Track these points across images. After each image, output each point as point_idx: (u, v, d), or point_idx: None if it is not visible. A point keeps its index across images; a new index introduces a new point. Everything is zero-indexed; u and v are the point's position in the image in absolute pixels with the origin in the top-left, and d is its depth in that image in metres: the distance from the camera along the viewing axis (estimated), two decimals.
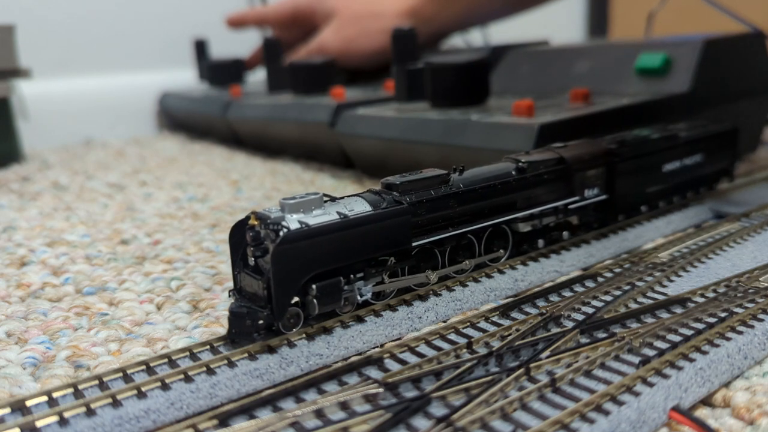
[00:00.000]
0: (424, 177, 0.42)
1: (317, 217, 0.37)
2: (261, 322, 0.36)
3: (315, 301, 0.36)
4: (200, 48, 1.32)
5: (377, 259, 0.40)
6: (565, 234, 0.51)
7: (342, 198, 0.40)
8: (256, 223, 0.36)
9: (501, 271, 0.46)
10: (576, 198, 0.50)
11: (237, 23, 1.25)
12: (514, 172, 0.46)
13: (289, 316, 0.36)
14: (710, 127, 0.61)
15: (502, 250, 0.47)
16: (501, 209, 0.46)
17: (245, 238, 0.37)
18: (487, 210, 0.45)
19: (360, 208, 0.39)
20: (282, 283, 0.35)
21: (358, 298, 0.39)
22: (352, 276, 0.38)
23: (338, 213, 0.37)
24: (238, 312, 0.36)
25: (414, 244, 0.41)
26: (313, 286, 0.36)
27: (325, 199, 0.39)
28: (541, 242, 0.49)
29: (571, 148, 0.50)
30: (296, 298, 0.37)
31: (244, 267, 0.38)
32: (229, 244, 0.38)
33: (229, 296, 0.38)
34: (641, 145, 0.54)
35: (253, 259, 0.37)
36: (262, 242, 0.36)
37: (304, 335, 0.37)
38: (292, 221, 0.36)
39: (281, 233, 0.35)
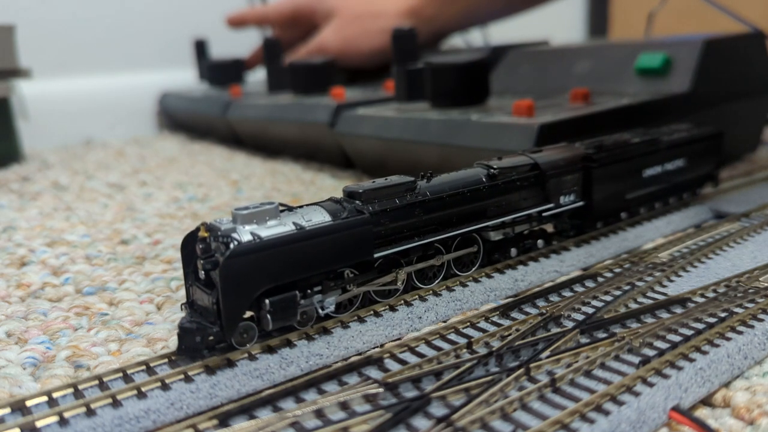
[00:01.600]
0: (388, 185, 0.41)
1: (271, 229, 0.35)
2: (211, 338, 0.34)
3: (269, 316, 0.35)
4: (200, 48, 1.32)
5: (337, 271, 0.38)
6: (540, 242, 0.49)
7: (301, 207, 0.38)
8: (206, 234, 0.35)
9: (501, 271, 0.46)
10: (551, 205, 0.48)
11: (237, 23, 1.25)
12: (484, 179, 0.45)
13: (242, 331, 0.35)
14: (694, 130, 0.59)
15: (471, 260, 0.45)
16: (471, 217, 0.44)
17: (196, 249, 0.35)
18: (456, 218, 0.43)
19: (318, 218, 0.37)
20: (231, 298, 0.34)
21: (319, 311, 0.38)
22: (309, 289, 0.37)
23: (294, 224, 0.36)
24: (187, 327, 0.34)
25: (377, 255, 0.39)
26: (267, 301, 0.35)
27: (282, 208, 0.37)
28: (513, 251, 0.47)
29: (546, 154, 0.49)
30: (251, 313, 0.36)
31: (195, 280, 0.36)
32: (181, 255, 0.37)
33: (182, 309, 0.37)
34: (620, 150, 0.53)
35: (203, 272, 0.35)
36: (212, 255, 0.34)
37: (304, 335, 0.37)
38: (244, 233, 0.35)
39: (231, 246, 0.34)
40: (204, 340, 0.34)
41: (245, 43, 1.37)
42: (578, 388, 0.32)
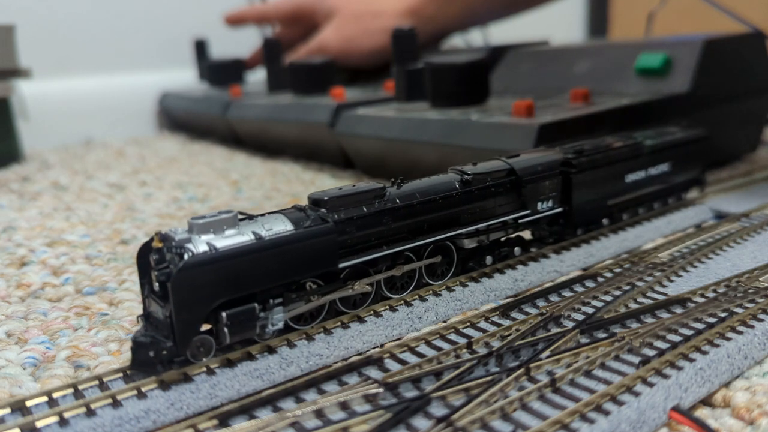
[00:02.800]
0: (355, 192, 0.39)
1: (229, 239, 0.34)
2: (164, 352, 0.33)
3: (226, 329, 0.34)
4: (200, 48, 1.32)
5: (299, 282, 0.37)
6: (517, 250, 0.48)
7: (262, 215, 0.37)
8: (160, 245, 0.34)
9: (501, 271, 0.46)
10: (527, 212, 0.47)
11: (236, 21, 1.25)
12: (457, 185, 0.43)
13: (199, 345, 0.34)
14: (679, 134, 0.58)
15: (445, 268, 0.44)
16: (443, 225, 0.43)
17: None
18: (427, 226, 0.42)
19: (280, 227, 0.36)
20: (185, 311, 0.32)
21: (279, 324, 0.36)
22: (270, 301, 0.36)
23: (254, 233, 0.35)
24: (140, 341, 0.33)
25: (342, 265, 0.38)
26: (223, 314, 0.34)
27: (242, 217, 0.36)
28: (489, 259, 0.46)
29: (523, 159, 0.48)
30: (209, 326, 0.35)
31: (150, 291, 0.35)
32: (137, 265, 0.35)
33: (138, 322, 0.36)
34: (601, 155, 0.51)
35: (157, 283, 0.33)
36: (166, 266, 0.33)
37: (304, 335, 0.37)
38: (200, 243, 0.33)
39: (185, 257, 0.33)
40: (157, 355, 0.33)
41: (245, 43, 1.37)
42: (578, 388, 0.32)
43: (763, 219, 0.56)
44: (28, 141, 1.14)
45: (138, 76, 1.38)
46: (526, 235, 0.49)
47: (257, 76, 1.36)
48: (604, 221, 0.54)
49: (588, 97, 0.68)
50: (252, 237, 0.35)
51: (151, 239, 0.34)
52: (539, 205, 0.48)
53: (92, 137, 1.29)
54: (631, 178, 0.54)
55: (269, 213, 0.37)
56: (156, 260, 0.34)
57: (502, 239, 0.47)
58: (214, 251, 0.33)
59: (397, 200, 0.41)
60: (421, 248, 0.42)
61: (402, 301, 0.41)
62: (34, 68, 1.03)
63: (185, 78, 1.39)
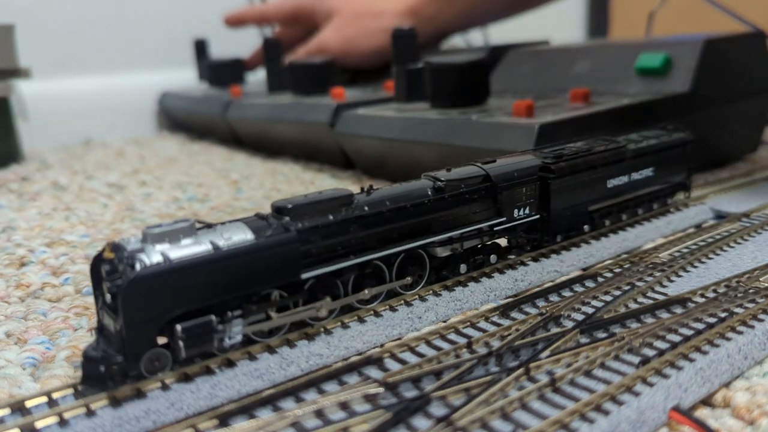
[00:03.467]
0: (321, 199, 0.38)
1: (185, 249, 0.33)
2: (116, 368, 0.32)
3: (181, 343, 0.33)
4: (200, 48, 1.32)
5: (261, 294, 0.36)
6: (493, 257, 0.46)
7: (223, 224, 0.36)
8: (111, 255, 0.33)
9: (501, 271, 0.46)
10: (503, 219, 0.46)
11: (236, 22, 1.25)
12: (430, 192, 0.42)
13: (154, 359, 0.32)
14: (663, 138, 0.57)
15: (417, 277, 0.43)
16: (415, 233, 0.41)
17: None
18: (398, 234, 0.41)
19: (239, 236, 0.34)
20: (136, 325, 0.31)
21: (238, 337, 0.35)
22: (228, 313, 0.34)
23: (211, 243, 0.33)
24: (91, 356, 0.32)
25: (305, 275, 0.37)
26: (178, 327, 0.32)
27: (200, 226, 0.35)
28: (463, 267, 0.45)
29: (499, 164, 0.46)
30: (165, 339, 0.34)
31: (104, 303, 0.33)
32: (91, 276, 0.34)
33: (91, 335, 0.34)
34: (581, 159, 0.50)
35: (109, 296, 0.32)
36: (119, 277, 0.32)
37: (304, 335, 0.37)
38: (154, 254, 0.32)
39: (136, 268, 0.31)
40: (108, 370, 0.32)
41: (245, 43, 1.37)
42: (578, 387, 0.32)
43: (764, 219, 0.56)
44: (28, 141, 1.14)
45: (138, 76, 1.38)
46: (503, 242, 0.48)
47: (257, 76, 1.36)
48: (585, 228, 0.52)
49: (588, 97, 0.68)
50: (209, 247, 0.33)
51: (104, 249, 0.33)
52: (516, 212, 0.46)
53: (92, 137, 1.29)
54: (613, 183, 0.52)
55: (230, 221, 0.36)
56: (107, 271, 0.32)
57: (479, 246, 0.46)
58: (167, 262, 0.32)
59: (366, 208, 0.39)
60: (392, 257, 0.41)
61: (402, 301, 0.41)
62: (34, 68, 1.03)
63: (185, 78, 1.39)
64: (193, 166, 0.97)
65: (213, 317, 0.34)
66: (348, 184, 0.79)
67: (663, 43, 0.75)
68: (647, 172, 0.55)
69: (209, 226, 0.35)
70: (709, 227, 0.55)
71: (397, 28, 0.89)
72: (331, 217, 0.38)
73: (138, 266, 0.32)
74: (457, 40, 1.24)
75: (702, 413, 0.32)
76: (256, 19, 1.24)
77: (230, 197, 0.76)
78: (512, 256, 0.48)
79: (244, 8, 1.25)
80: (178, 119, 1.33)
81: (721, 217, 0.59)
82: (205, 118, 1.18)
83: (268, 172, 0.89)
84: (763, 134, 0.84)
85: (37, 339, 0.41)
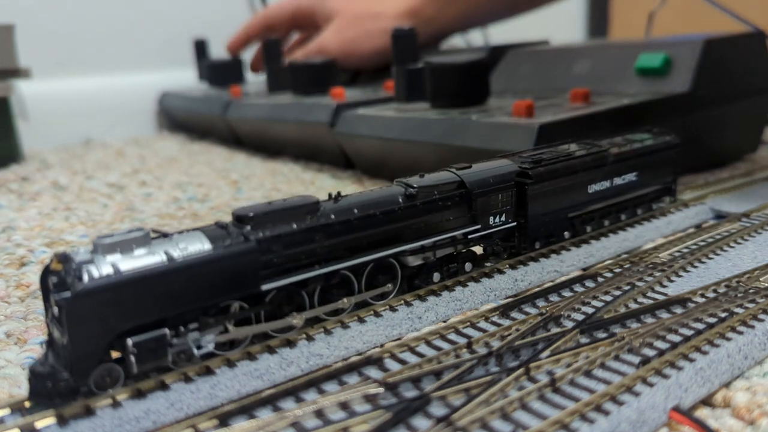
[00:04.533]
0: (284, 207, 0.37)
1: (137, 260, 0.32)
2: (62, 384, 0.30)
3: (132, 358, 0.31)
4: (200, 48, 1.32)
5: (219, 306, 0.34)
6: (468, 265, 0.45)
7: (180, 233, 0.34)
8: (59, 267, 0.31)
9: (501, 271, 0.46)
10: (478, 226, 0.44)
11: (238, 46, 1.24)
12: (401, 199, 0.41)
13: (104, 375, 0.31)
14: (648, 141, 0.55)
15: (389, 285, 0.41)
16: (385, 241, 0.40)
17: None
18: (366, 243, 0.39)
19: (196, 246, 0.33)
20: (82, 340, 0.30)
21: (195, 351, 0.34)
22: (182, 327, 0.33)
23: (166, 253, 0.32)
24: (38, 372, 0.31)
25: (266, 287, 0.35)
26: (129, 341, 0.31)
27: (155, 235, 0.34)
28: (437, 276, 0.43)
29: (475, 170, 0.45)
30: (117, 353, 0.32)
31: (53, 316, 0.32)
32: (41, 289, 0.33)
33: (42, 348, 0.33)
34: (560, 164, 0.48)
35: (57, 309, 0.31)
36: (65, 290, 0.31)
37: (304, 335, 0.37)
38: (103, 265, 0.31)
39: (84, 280, 0.30)
40: (56, 386, 0.30)
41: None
42: (578, 388, 0.32)
43: (764, 219, 0.56)
44: (28, 141, 1.14)
45: (138, 76, 1.38)
46: (479, 250, 0.47)
47: (257, 76, 1.36)
48: (566, 234, 0.51)
49: (588, 97, 0.68)
50: (163, 257, 0.32)
51: (52, 260, 0.32)
52: (492, 219, 0.45)
53: (92, 137, 1.29)
54: (594, 188, 0.51)
55: (188, 231, 0.35)
56: (54, 283, 0.31)
57: (455, 253, 0.45)
58: (117, 274, 0.31)
59: (332, 216, 0.38)
60: (360, 267, 0.40)
61: (402, 301, 0.41)
62: (34, 68, 1.03)
63: (185, 78, 1.39)
64: (193, 166, 0.97)
65: (167, 331, 0.32)
66: (348, 184, 0.79)
67: (663, 43, 0.75)
68: (630, 176, 0.54)
69: (165, 235, 0.34)
70: (709, 227, 0.55)
71: (397, 28, 0.89)
72: (294, 226, 0.36)
73: (85, 278, 0.30)
74: (457, 40, 1.24)
75: (702, 413, 0.32)
76: (258, 34, 1.23)
77: (230, 197, 0.76)
78: (489, 264, 0.47)
79: (243, 27, 1.24)
80: (178, 119, 1.33)
81: (721, 217, 0.59)
82: (205, 118, 1.18)
83: (268, 172, 0.89)
84: (763, 134, 0.84)
85: (37, 339, 0.41)
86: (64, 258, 0.32)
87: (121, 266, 0.31)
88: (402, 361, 0.35)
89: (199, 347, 0.34)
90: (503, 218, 0.46)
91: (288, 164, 0.94)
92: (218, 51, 1.36)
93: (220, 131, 1.16)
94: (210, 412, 0.31)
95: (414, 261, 0.42)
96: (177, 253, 0.33)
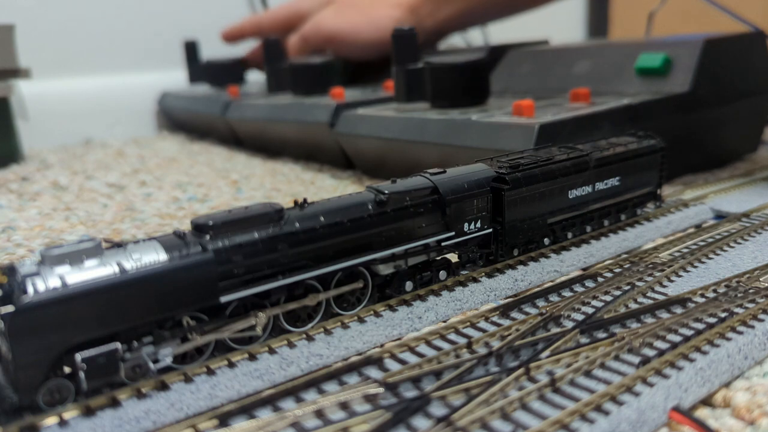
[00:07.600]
0: (246, 216, 0.35)
1: (87, 272, 0.30)
2: (8, 401, 0.30)
3: (82, 374, 0.30)
4: (190, 49, 1.32)
5: (175, 319, 0.33)
6: (442, 274, 0.44)
7: (135, 242, 0.33)
8: (4, 280, 0.30)
9: (501, 271, 0.46)
10: (451, 234, 0.43)
11: (233, 37, 1.24)
12: (371, 206, 0.40)
13: (54, 391, 0.30)
14: (631, 145, 0.54)
15: (360, 295, 0.41)
16: (354, 250, 0.39)
17: None
18: (333, 252, 0.38)
19: (150, 257, 0.32)
20: (26, 356, 0.29)
21: (150, 365, 0.33)
22: (136, 341, 0.32)
23: (118, 265, 0.31)
24: None
25: (225, 299, 0.34)
26: (78, 357, 0.30)
27: (108, 245, 0.32)
28: (409, 284, 0.42)
29: (449, 175, 0.44)
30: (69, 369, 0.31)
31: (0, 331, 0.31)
32: None
33: None
34: (539, 169, 0.47)
35: (1, 323, 0.29)
36: (11, 303, 0.29)
37: (304, 336, 0.37)
38: (50, 277, 0.30)
39: (28, 293, 0.29)
40: (2, 404, 0.29)
41: (245, 43, 1.37)
42: (578, 388, 0.32)
43: (764, 219, 0.56)
44: (28, 141, 1.14)
45: (138, 76, 1.38)
46: (454, 257, 0.46)
47: (257, 77, 1.36)
48: (546, 241, 0.50)
49: (588, 97, 0.69)
50: (115, 269, 0.31)
51: None
52: (466, 226, 0.44)
53: (92, 137, 1.29)
54: (575, 193, 0.50)
55: (144, 240, 0.34)
56: (1, 297, 0.30)
57: (431, 260, 0.44)
58: (64, 287, 0.29)
59: (297, 224, 0.37)
60: (328, 276, 0.38)
61: (402, 301, 0.41)
62: (34, 68, 1.03)
63: (185, 78, 1.39)
64: (193, 166, 0.97)
65: (119, 345, 0.31)
66: (348, 184, 0.79)
67: (663, 43, 0.75)
68: (613, 181, 0.52)
69: (119, 245, 0.33)
70: (709, 227, 0.55)
71: (397, 28, 0.89)
72: (256, 235, 0.35)
73: (30, 291, 0.29)
74: (456, 40, 1.24)
75: (702, 413, 0.32)
76: (254, 31, 1.23)
77: (230, 197, 0.76)
78: (465, 272, 0.46)
79: (240, 22, 1.25)
80: (178, 119, 1.33)
81: (721, 217, 0.59)
82: (205, 118, 1.18)
83: (268, 172, 0.89)
84: (763, 134, 0.84)
85: None
86: (9, 270, 0.30)
87: (68, 279, 0.30)
88: (402, 361, 0.35)
89: (156, 361, 0.33)
90: (479, 225, 0.45)
91: (288, 164, 0.94)
92: (219, 51, 1.36)
93: (220, 131, 1.16)
94: (210, 412, 0.31)
95: (385, 270, 0.41)
96: (130, 265, 0.31)
